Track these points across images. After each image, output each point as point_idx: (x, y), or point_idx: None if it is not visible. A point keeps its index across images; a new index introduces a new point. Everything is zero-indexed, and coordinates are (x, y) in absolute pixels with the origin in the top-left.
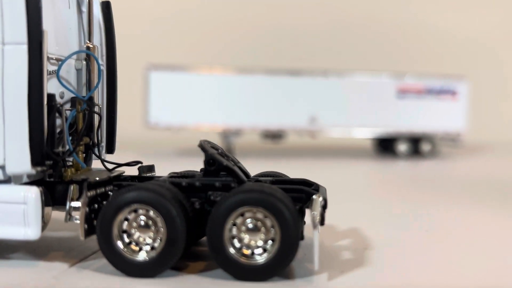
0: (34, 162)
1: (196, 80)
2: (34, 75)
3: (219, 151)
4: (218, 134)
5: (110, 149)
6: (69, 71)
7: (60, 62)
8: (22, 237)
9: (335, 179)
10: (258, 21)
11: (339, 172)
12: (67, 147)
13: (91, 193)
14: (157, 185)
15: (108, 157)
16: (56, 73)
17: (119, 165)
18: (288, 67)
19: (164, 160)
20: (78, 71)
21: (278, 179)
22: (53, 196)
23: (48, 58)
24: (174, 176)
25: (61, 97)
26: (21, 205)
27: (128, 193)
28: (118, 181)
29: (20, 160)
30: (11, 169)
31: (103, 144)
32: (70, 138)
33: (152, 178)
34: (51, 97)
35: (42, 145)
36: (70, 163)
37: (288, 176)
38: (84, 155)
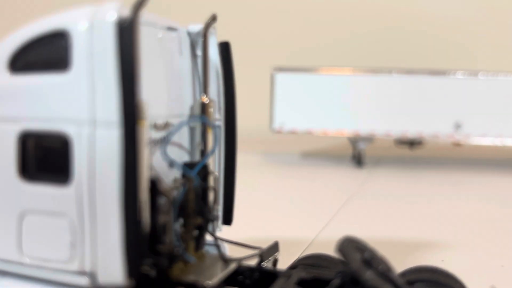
0: (130, 273)
1: (324, 81)
2: (129, 165)
3: (366, 255)
4: (347, 139)
5: (228, 219)
6: (180, 132)
7: (167, 135)
8: None
9: (493, 197)
10: (390, 15)
11: (496, 189)
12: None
13: None
14: None
15: (225, 228)
16: (162, 148)
17: (237, 244)
18: (428, 66)
19: (287, 165)
20: (192, 129)
21: None
22: None
23: (155, 126)
24: (303, 263)
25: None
26: None
27: None
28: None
29: (113, 269)
30: (103, 279)
31: (219, 215)
32: (180, 228)
33: (276, 274)
34: (155, 183)
35: (138, 253)
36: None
37: (459, 280)
38: (194, 240)
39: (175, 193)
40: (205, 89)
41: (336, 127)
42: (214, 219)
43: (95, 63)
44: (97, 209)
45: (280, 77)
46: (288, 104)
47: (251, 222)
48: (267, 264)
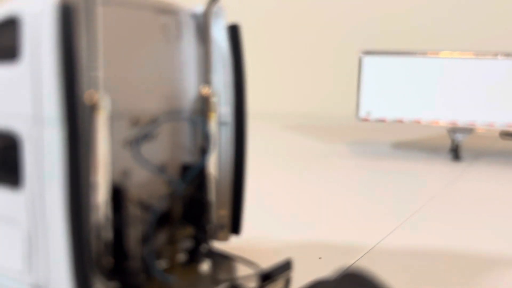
0: None
1: (417, 66)
2: (72, 170)
3: None
4: (445, 130)
5: (236, 229)
6: (175, 131)
7: (142, 133)
8: None
9: None
10: None
11: None
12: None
13: None
14: None
15: (234, 239)
16: (133, 147)
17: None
18: None
19: (375, 156)
20: (193, 123)
21: None
22: None
23: (135, 122)
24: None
25: (125, 177)
26: None
27: None
28: None
29: (61, 284)
30: None
31: (226, 223)
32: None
33: None
34: (119, 192)
35: (86, 273)
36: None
37: None
38: (186, 253)
39: (159, 202)
40: (206, 79)
41: (430, 116)
42: (209, 229)
43: (42, 52)
44: (47, 218)
45: (369, 61)
46: (377, 90)
47: (314, 221)
48: (269, 285)
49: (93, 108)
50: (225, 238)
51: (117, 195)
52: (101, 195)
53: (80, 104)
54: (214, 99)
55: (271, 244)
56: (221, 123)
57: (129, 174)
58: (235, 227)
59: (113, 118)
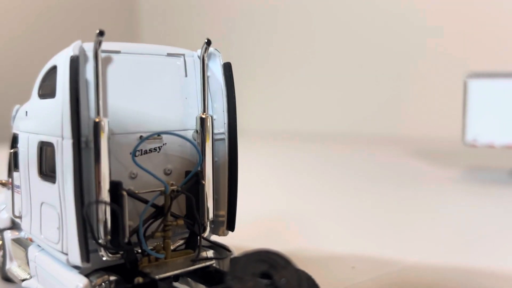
0: (82, 258)
1: None
2: (77, 170)
3: (270, 268)
4: None
5: (231, 226)
6: (182, 145)
7: (136, 145)
8: None
9: None
10: None
11: None
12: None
13: None
14: None
15: (231, 234)
16: (132, 155)
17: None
18: None
19: (489, 182)
20: (192, 142)
21: None
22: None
23: (142, 138)
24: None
25: (132, 177)
26: None
27: None
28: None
29: (74, 253)
30: (71, 260)
31: (224, 221)
32: (149, 226)
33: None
34: (115, 185)
35: (86, 242)
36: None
37: None
38: (182, 240)
39: (152, 197)
40: (204, 108)
41: None
42: (200, 223)
43: (63, 91)
44: (66, 203)
45: (475, 84)
46: (484, 114)
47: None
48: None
49: (97, 127)
50: (223, 234)
51: (116, 188)
52: (102, 188)
53: (81, 124)
54: (208, 121)
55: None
56: (218, 140)
57: (135, 176)
58: (230, 225)
59: (124, 134)
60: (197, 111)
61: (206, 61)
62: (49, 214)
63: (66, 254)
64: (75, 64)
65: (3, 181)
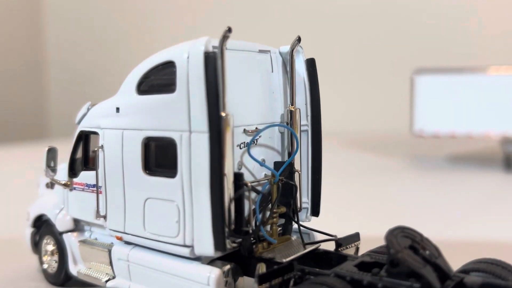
0: (216, 248)
1: (468, 83)
2: (214, 162)
3: (413, 242)
4: (496, 143)
5: (316, 211)
6: (271, 136)
7: (252, 137)
8: None
9: None
10: None
11: None
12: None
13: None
14: (331, 283)
15: (314, 220)
16: (247, 149)
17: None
18: None
19: (432, 169)
20: (282, 134)
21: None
22: (248, 268)
23: (245, 131)
24: (377, 251)
25: (239, 168)
26: (205, 286)
27: None
28: (310, 257)
29: (205, 244)
30: (198, 251)
31: (308, 207)
32: (261, 214)
33: (345, 257)
34: (238, 176)
35: (223, 232)
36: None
37: None
38: (279, 228)
39: (262, 187)
40: (292, 102)
41: (482, 130)
42: (297, 210)
43: (191, 85)
44: (193, 196)
45: (421, 80)
46: (429, 107)
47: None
48: (345, 250)
49: (224, 122)
50: (307, 219)
51: (238, 180)
52: (229, 181)
53: (218, 119)
54: (297, 114)
55: None
56: (302, 131)
57: (244, 166)
58: (314, 210)
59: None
60: (280, 105)
61: (294, 57)
62: (161, 209)
63: (189, 246)
64: (213, 60)
65: (63, 182)
